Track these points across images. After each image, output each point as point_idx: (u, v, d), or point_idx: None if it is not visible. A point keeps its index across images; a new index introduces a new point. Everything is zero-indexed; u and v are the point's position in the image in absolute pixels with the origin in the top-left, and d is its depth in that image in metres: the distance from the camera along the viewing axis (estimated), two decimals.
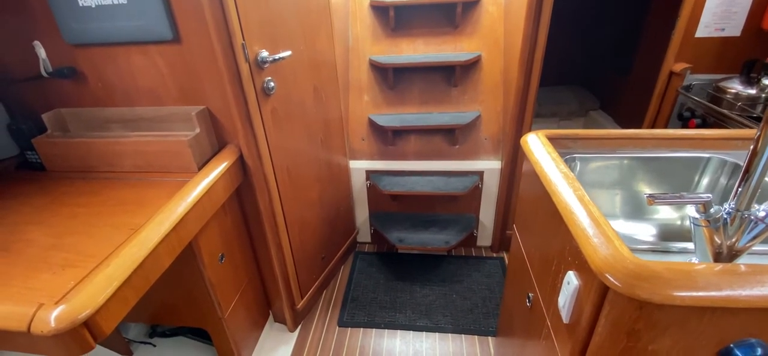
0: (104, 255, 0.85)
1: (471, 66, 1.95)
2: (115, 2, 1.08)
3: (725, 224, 0.59)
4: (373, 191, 2.04)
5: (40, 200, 1.10)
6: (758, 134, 0.54)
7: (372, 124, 1.98)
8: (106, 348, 1.48)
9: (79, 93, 1.25)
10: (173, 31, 1.09)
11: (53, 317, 0.70)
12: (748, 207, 0.57)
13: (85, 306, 0.73)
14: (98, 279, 0.77)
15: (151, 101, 1.22)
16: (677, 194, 0.58)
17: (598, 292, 0.60)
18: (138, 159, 1.20)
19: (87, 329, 0.74)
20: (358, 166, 1.99)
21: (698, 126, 1.55)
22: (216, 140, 1.25)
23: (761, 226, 0.56)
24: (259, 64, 1.21)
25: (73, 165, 1.24)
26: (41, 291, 0.77)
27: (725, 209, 0.59)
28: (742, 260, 0.62)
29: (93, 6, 1.09)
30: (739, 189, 0.57)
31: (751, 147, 0.56)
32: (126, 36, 1.12)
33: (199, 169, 1.16)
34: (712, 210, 0.58)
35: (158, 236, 0.90)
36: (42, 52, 1.19)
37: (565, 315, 0.71)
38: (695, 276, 0.52)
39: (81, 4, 1.09)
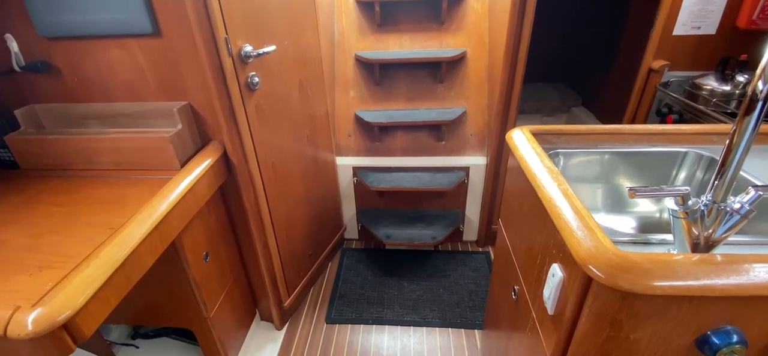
0: (83, 256, 0.83)
1: (456, 62, 1.96)
2: None
3: (702, 215, 0.61)
4: (360, 187, 2.03)
5: (14, 199, 1.06)
6: (733, 129, 0.56)
7: (358, 120, 1.97)
8: (87, 351, 1.44)
9: (54, 88, 1.20)
10: (153, 24, 1.06)
11: (31, 320, 0.68)
12: (724, 199, 0.59)
13: (64, 308, 0.71)
14: (77, 280, 0.75)
15: (131, 97, 1.19)
16: (657, 187, 0.59)
17: (582, 283, 0.61)
18: (117, 156, 1.16)
19: (66, 331, 0.73)
20: (345, 162, 1.98)
21: (675, 122, 1.60)
22: (199, 137, 1.23)
23: (736, 217, 0.58)
24: (243, 59, 1.19)
25: (48, 163, 1.20)
26: (18, 293, 0.75)
27: (702, 201, 0.61)
28: (719, 251, 0.64)
29: None
30: (716, 182, 0.59)
31: (727, 142, 0.57)
32: (103, 29, 1.09)
33: (182, 166, 1.14)
34: (689, 202, 0.60)
35: (140, 235, 0.88)
36: (14, 46, 1.14)
37: (550, 306, 0.72)
38: (674, 266, 0.54)
39: None
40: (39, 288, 0.75)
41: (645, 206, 1.04)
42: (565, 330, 0.67)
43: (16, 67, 1.16)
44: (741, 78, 1.48)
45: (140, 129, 1.19)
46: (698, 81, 1.56)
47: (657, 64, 1.74)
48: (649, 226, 1.04)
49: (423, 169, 1.96)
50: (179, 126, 1.14)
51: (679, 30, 1.69)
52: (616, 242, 0.69)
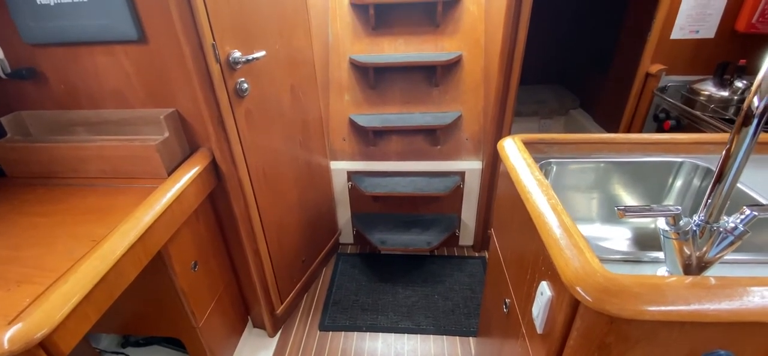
0: (63, 270, 0.81)
1: (452, 66, 1.94)
2: (76, 0, 1.02)
3: (694, 235, 0.59)
4: (354, 192, 2.01)
5: None
6: (727, 146, 0.54)
7: (353, 124, 1.95)
8: None
9: (41, 95, 1.19)
10: (139, 30, 1.04)
11: (7, 338, 0.67)
12: (717, 219, 0.57)
13: (41, 325, 0.69)
14: (55, 296, 0.73)
15: (118, 104, 1.17)
16: (647, 207, 0.57)
17: (570, 305, 0.59)
18: (104, 164, 1.14)
19: (43, 349, 0.71)
20: (340, 167, 1.96)
21: (673, 127, 1.58)
22: (187, 144, 1.21)
23: (730, 238, 0.56)
24: (232, 65, 1.17)
25: (34, 171, 1.18)
26: None
27: (694, 221, 0.59)
28: (713, 271, 0.62)
29: (52, 4, 1.04)
30: (709, 201, 0.57)
31: (721, 157, 0.55)
32: (89, 35, 1.07)
33: (169, 174, 1.12)
34: (681, 223, 0.57)
35: (122, 248, 0.86)
36: None
37: (538, 325, 0.70)
38: (664, 291, 0.52)
39: (39, 2, 1.04)
40: (16, 304, 0.74)
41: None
42: (554, 350, 0.65)
43: (2, 74, 1.14)
44: (740, 83, 1.45)
45: (127, 137, 1.17)
46: (696, 86, 1.54)
47: (654, 68, 1.72)
48: (645, 237, 1.02)
49: (418, 173, 1.94)
50: (166, 134, 1.12)
51: (676, 34, 1.66)
52: (606, 261, 0.67)
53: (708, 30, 1.64)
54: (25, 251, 0.88)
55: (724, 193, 0.55)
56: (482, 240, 2.07)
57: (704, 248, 0.59)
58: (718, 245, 0.57)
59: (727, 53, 1.65)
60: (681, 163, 0.97)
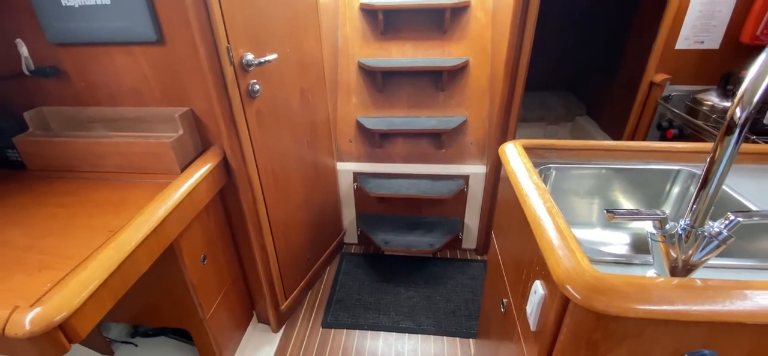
0: (82, 257, 0.85)
1: (458, 71, 1.97)
2: (99, 3, 1.07)
3: (680, 239, 0.61)
4: (360, 192, 2.05)
5: (19, 200, 1.10)
6: (711, 155, 0.56)
7: (360, 126, 1.99)
8: (87, 348, 1.48)
9: (62, 92, 1.24)
10: (157, 32, 1.09)
11: (28, 319, 0.71)
12: (702, 224, 0.60)
13: (60, 308, 0.73)
14: (74, 282, 0.77)
15: (135, 102, 1.22)
16: (635, 210, 0.60)
17: (561, 302, 0.62)
18: (120, 160, 1.19)
19: (62, 332, 0.75)
20: (346, 168, 2.00)
21: (675, 136, 1.59)
22: (200, 142, 1.25)
23: (715, 242, 0.58)
24: (244, 67, 1.21)
25: (54, 165, 1.23)
26: (17, 292, 0.77)
27: (680, 225, 0.62)
28: (699, 273, 0.65)
29: (76, 6, 1.09)
30: (694, 206, 0.59)
31: (704, 167, 0.58)
32: (109, 36, 1.12)
33: (182, 170, 1.17)
34: (667, 226, 0.60)
35: (137, 239, 0.90)
36: (24, 50, 1.18)
37: (532, 322, 0.73)
38: (650, 290, 0.55)
39: (64, 4, 1.09)
40: (37, 289, 0.78)
41: (638, 222, 1.04)
42: (545, 347, 0.68)
43: (26, 71, 1.20)
44: None
45: (143, 133, 1.22)
46: (699, 96, 1.55)
47: (659, 77, 1.73)
48: (641, 242, 1.04)
49: (423, 176, 1.97)
50: (180, 132, 1.17)
51: (681, 44, 1.68)
52: (598, 262, 0.70)
53: (713, 41, 1.66)
54: (44, 240, 0.93)
55: (708, 198, 0.57)
56: (485, 244, 2.10)
57: (690, 252, 0.61)
58: (702, 249, 0.60)
59: (732, 64, 1.66)
60: (678, 171, 0.99)
